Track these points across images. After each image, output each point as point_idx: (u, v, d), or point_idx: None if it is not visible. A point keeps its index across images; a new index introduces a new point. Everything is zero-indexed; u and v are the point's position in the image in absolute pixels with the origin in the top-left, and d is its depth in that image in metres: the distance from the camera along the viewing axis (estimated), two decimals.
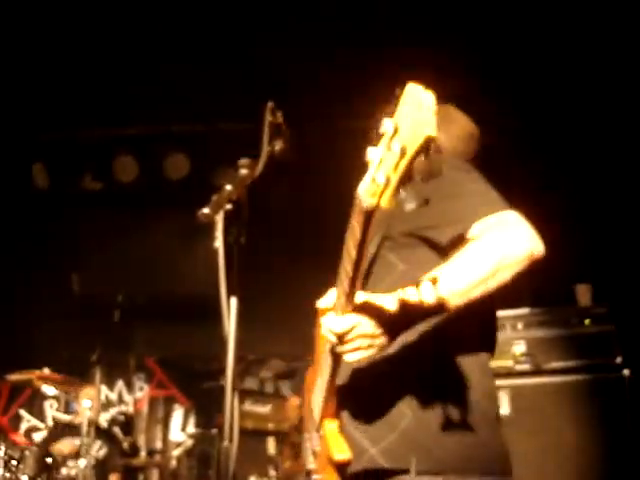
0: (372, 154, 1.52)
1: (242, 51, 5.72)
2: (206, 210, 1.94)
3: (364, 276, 1.95)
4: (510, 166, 6.00)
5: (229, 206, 1.98)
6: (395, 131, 1.47)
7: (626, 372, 4.52)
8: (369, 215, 1.60)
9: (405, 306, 1.85)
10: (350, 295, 1.79)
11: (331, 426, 2.15)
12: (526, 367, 4.72)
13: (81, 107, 6.36)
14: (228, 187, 1.99)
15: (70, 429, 6.30)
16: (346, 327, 1.83)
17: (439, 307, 1.88)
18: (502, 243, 1.99)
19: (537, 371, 4.69)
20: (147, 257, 6.79)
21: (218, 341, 2.13)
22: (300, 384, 6.24)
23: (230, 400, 1.86)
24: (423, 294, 1.86)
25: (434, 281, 1.87)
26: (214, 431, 6.47)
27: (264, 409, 6.66)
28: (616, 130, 5.82)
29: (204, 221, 1.96)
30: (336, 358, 1.95)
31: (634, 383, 4.50)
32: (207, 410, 6.97)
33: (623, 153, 5.79)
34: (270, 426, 6.46)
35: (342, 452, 2.05)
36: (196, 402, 7.38)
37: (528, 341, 4.76)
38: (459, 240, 2.05)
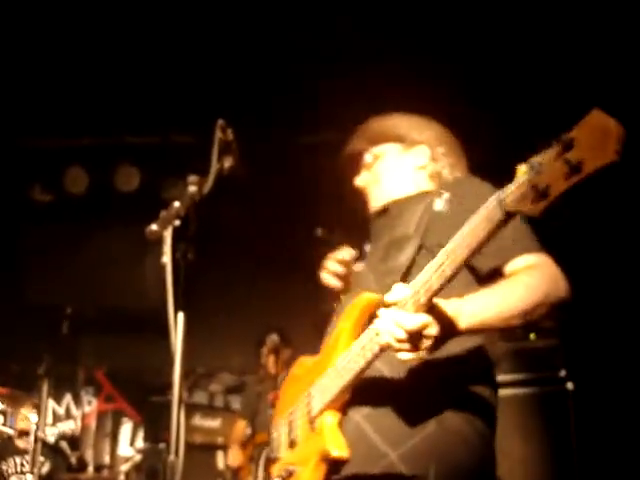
0: (533, 161, 1.61)
1: (195, 65, 5.73)
2: (154, 226, 1.95)
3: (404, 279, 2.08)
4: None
5: (177, 222, 2.00)
6: (572, 146, 1.55)
7: (570, 385, 4.60)
8: (506, 220, 1.70)
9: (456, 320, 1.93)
10: (433, 295, 1.85)
11: (331, 419, 2.14)
12: None
13: (33, 116, 6.30)
14: (176, 204, 2.01)
15: (14, 445, 6.20)
16: (419, 325, 1.85)
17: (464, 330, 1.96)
18: (540, 287, 2.04)
19: None
20: (96, 269, 6.74)
21: (167, 354, 2.15)
22: (250, 399, 6.24)
23: (176, 414, 1.87)
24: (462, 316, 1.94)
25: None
26: (162, 445, 6.43)
27: (213, 423, 6.64)
28: None
29: (152, 237, 1.98)
30: (380, 352, 1.98)
31: (577, 396, 4.57)
32: (156, 424, 6.92)
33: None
34: (219, 440, 6.44)
35: (341, 449, 2.06)
36: (145, 416, 7.32)
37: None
38: (496, 270, 2.13)
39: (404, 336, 1.85)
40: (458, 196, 2.24)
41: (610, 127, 1.52)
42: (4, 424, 7.49)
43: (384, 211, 2.53)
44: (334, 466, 2.09)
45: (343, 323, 2.24)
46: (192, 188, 2.10)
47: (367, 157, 2.63)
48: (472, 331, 1.98)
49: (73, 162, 6.83)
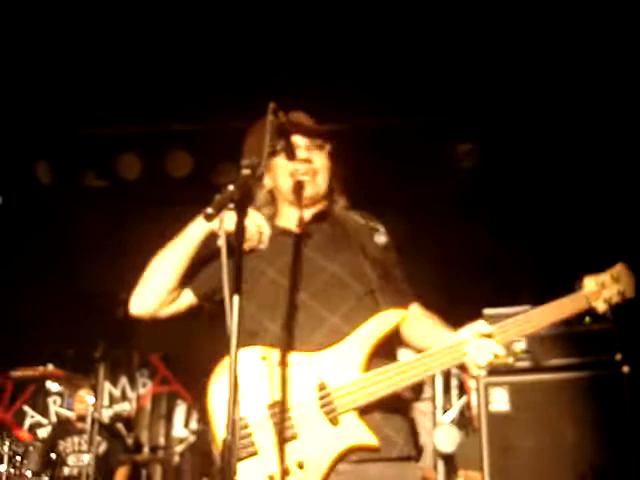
0: (593, 280, 2.66)
1: (244, 50, 5.75)
2: (209, 210, 1.97)
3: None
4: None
5: (232, 206, 2.01)
6: (618, 280, 2.64)
7: (625, 369, 4.53)
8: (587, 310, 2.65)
9: None
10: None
11: (356, 415, 2.46)
12: (526, 364, 4.74)
13: (86, 104, 6.40)
14: (230, 187, 2.03)
15: (73, 425, 6.35)
16: (503, 354, 2.52)
17: None
18: None
19: (537, 368, 4.71)
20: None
21: (221, 337, 2.20)
22: None
23: (232, 395, 1.90)
24: None
25: None
26: None
27: None
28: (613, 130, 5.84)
29: (208, 221, 1.99)
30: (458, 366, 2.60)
31: (633, 380, 4.52)
32: None
33: (621, 150, 5.81)
34: None
35: (374, 439, 2.45)
36: (199, 398, 7.42)
37: (528, 338, 4.78)
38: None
39: (492, 359, 2.50)
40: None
41: (632, 276, 2.68)
42: (61, 406, 7.69)
43: (322, 218, 2.80)
44: (358, 453, 2.44)
45: (368, 334, 2.54)
46: (245, 171, 2.11)
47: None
48: None
49: (126, 148, 6.92)
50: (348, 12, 5.40)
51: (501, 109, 6.11)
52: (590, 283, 2.65)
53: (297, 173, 2.70)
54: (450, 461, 6.26)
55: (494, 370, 4.74)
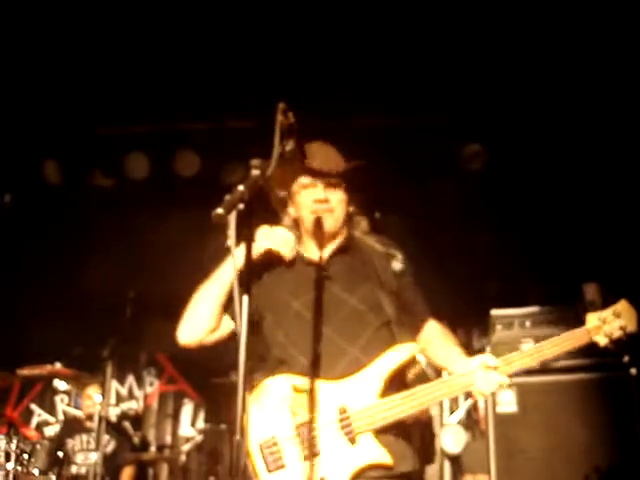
0: (596, 316, 2.92)
1: (252, 50, 5.76)
2: (220, 210, 1.97)
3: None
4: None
5: (241, 206, 2.01)
6: (619, 315, 2.90)
7: (633, 371, 4.53)
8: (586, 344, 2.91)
9: None
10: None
11: (373, 436, 2.72)
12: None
13: (94, 104, 6.41)
14: (240, 187, 2.03)
15: (81, 423, 6.37)
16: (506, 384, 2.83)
17: None
18: None
19: (544, 369, 4.70)
20: (158, 253, 6.84)
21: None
22: None
23: (242, 395, 1.90)
24: None
25: None
26: (223, 426, 6.53)
27: None
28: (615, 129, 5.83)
29: (218, 221, 1.99)
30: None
31: None
32: (216, 405, 7.02)
33: (627, 150, 5.80)
34: None
35: (389, 459, 2.71)
36: (206, 397, 7.43)
37: (536, 339, 4.77)
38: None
39: (495, 389, 2.80)
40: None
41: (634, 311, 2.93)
42: (69, 404, 7.71)
43: (343, 250, 3.01)
44: (375, 470, 2.68)
45: (384, 365, 2.78)
46: (255, 172, 2.11)
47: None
48: None
49: (134, 148, 6.93)
50: (356, 12, 5.40)
51: (508, 110, 6.10)
52: (592, 319, 2.91)
53: (316, 212, 2.89)
54: (456, 462, 6.26)
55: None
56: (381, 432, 2.70)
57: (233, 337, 2.90)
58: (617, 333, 2.88)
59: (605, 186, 5.89)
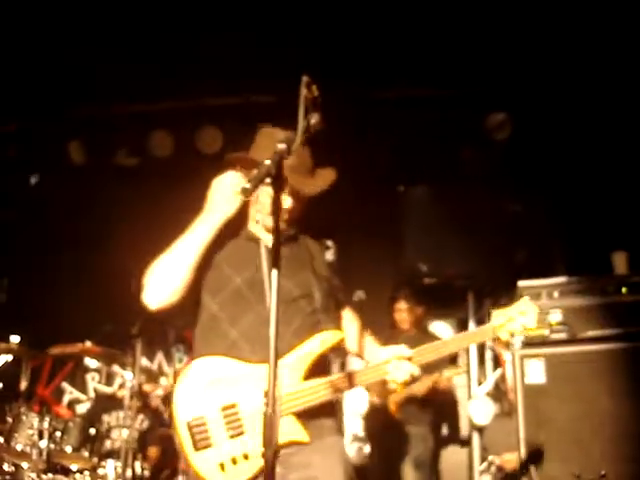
0: (498, 315, 3.12)
1: (273, 23, 5.73)
2: (247, 185, 1.97)
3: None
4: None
5: (268, 180, 2.01)
6: (523, 313, 3.11)
7: None
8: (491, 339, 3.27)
9: None
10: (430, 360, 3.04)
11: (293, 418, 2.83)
12: (562, 335, 4.71)
13: (116, 82, 6.41)
14: (267, 162, 2.02)
15: (112, 401, 6.44)
16: (418, 375, 3.01)
17: None
18: None
19: (573, 340, 4.68)
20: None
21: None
22: None
23: (272, 370, 1.91)
24: None
25: None
26: None
27: None
28: None
29: (246, 196, 1.99)
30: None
31: None
32: None
33: None
34: None
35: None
36: None
37: (564, 310, 4.74)
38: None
39: (409, 379, 2.96)
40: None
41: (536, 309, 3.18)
42: (99, 381, 7.79)
43: (291, 240, 3.09)
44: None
45: (309, 350, 2.88)
46: (281, 146, 2.10)
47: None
48: None
49: (157, 126, 6.94)
50: None
51: (534, 79, 6.03)
52: (497, 316, 3.12)
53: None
54: (485, 433, 6.28)
55: (530, 342, 4.72)
56: (303, 412, 2.80)
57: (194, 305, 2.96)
58: (518, 330, 3.12)
59: (634, 154, 5.81)
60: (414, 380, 3.03)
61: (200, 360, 2.85)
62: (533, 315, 3.13)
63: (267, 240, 2.99)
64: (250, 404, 2.76)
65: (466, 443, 6.64)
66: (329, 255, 3.14)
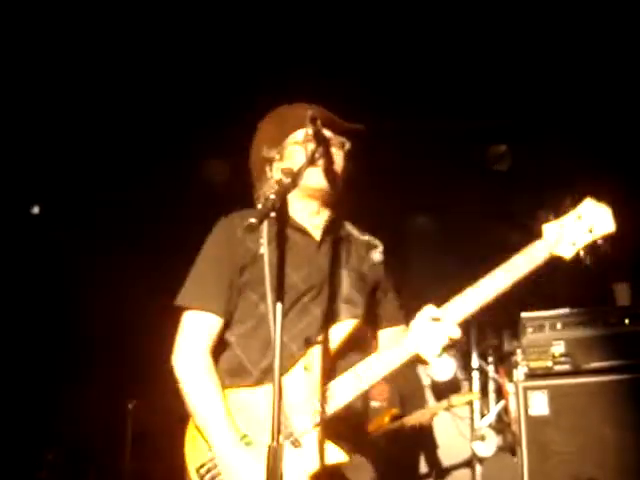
0: (553, 228, 2.46)
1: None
2: (253, 220, 1.98)
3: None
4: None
5: (273, 214, 2.02)
6: (581, 217, 2.44)
7: None
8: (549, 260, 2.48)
9: None
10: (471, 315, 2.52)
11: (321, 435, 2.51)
12: (565, 367, 4.71)
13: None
14: (272, 196, 2.04)
15: None
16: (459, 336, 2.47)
17: None
18: None
19: (576, 371, 4.68)
20: None
21: None
22: None
23: (277, 402, 1.91)
24: None
25: None
26: None
27: None
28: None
29: (251, 230, 2.00)
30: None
31: None
32: None
33: None
34: None
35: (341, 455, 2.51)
36: None
37: (567, 341, 4.76)
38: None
39: (448, 342, 2.45)
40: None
41: (605, 209, 2.49)
42: None
43: (331, 230, 2.78)
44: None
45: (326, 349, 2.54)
46: (286, 180, 2.13)
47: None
48: None
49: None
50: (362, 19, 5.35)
51: (533, 111, 6.07)
52: (549, 228, 2.47)
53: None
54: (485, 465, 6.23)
55: (533, 374, 4.72)
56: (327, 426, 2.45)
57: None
58: (583, 238, 2.42)
59: (631, 183, 5.83)
60: (454, 344, 2.42)
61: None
62: (598, 215, 2.46)
63: (303, 218, 2.73)
64: (262, 433, 2.42)
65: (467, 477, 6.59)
66: (377, 256, 2.69)
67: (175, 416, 2.70)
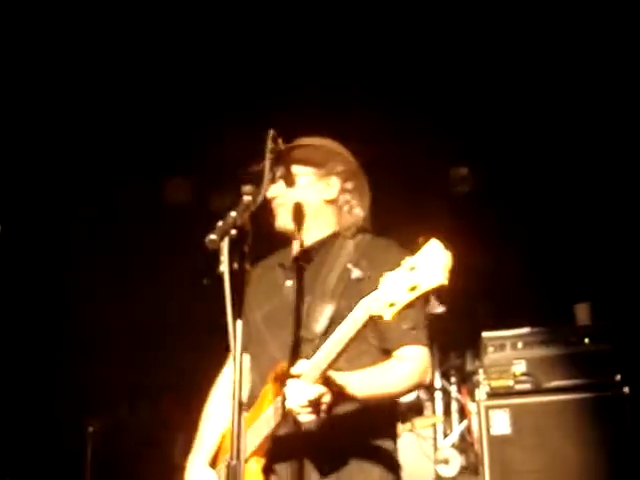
0: (388, 277, 2.14)
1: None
2: (212, 236, 1.97)
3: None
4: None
5: (234, 232, 2.02)
6: (414, 269, 2.09)
7: (626, 390, 4.55)
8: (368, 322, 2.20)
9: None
10: (325, 370, 2.27)
11: (254, 466, 2.47)
12: (526, 386, 4.75)
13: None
14: (232, 213, 2.04)
15: None
16: (316, 395, 2.24)
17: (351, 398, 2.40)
18: (412, 378, 2.55)
19: (537, 390, 4.72)
20: None
21: None
22: None
23: (237, 419, 1.90)
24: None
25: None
26: None
27: None
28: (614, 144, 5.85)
29: (211, 247, 1.99)
30: (287, 414, 2.33)
31: (634, 401, 4.52)
32: None
33: (622, 169, 5.81)
34: None
35: None
36: None
37: (528, 360, 4.80)
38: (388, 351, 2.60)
39: (305, 403, 2.25)
40: (375, 263, 2.59)
41: (443, 257, 2.09)
42: None
43: (304, 253, 2.77)
44: None
45: (267, 388, 2.53)
46: (247, 198, 2.13)
47: (280, 171, 2.63)
48: (355, 400, 2.41)
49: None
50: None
51: (498, 131, 6.13)
52: (387, 279, 2.16)
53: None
54: None
55: (495, 393, 4.74)
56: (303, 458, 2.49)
57: None
58: (405, 297, 2.09)
59: (597, 207, 5.91)
60: (317, 407, 2.27)
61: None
62: (434, 264, 2.07)
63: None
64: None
65: None
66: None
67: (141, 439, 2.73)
